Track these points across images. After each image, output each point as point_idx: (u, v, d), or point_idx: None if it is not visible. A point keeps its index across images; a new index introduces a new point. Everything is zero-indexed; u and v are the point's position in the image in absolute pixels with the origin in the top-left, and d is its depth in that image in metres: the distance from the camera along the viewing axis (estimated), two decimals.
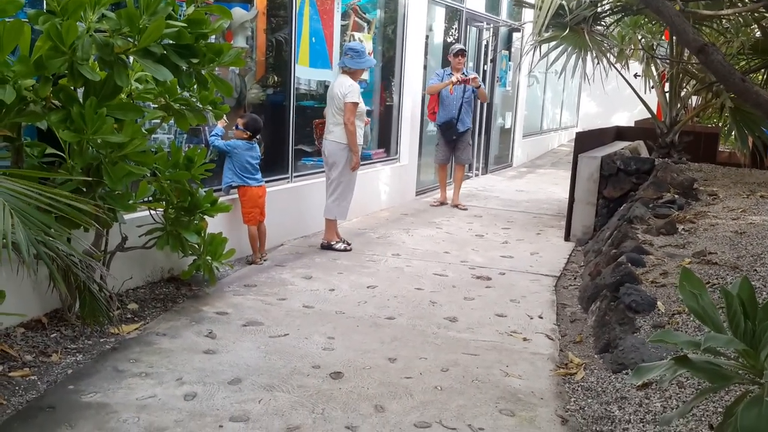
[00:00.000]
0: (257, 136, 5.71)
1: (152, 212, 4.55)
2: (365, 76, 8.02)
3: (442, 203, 8.95)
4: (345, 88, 6.16)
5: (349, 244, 6.40)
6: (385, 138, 8.75)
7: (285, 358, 3.81)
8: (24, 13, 3.49)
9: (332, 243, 6.37)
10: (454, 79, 8.54)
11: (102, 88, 3.53)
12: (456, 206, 8.80)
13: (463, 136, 8.83)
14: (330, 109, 6.31)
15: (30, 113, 3.46)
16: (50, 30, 3.28)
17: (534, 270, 5.98)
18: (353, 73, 6.32)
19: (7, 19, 3.24)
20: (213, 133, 5.61)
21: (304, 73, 7.06)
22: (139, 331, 4.10)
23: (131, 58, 3.67)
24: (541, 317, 4.74)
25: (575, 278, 5.84)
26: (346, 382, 3.54)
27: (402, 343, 4.14)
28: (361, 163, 8.02)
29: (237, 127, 5.68)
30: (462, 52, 8.69)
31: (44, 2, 3.60)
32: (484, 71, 11.43)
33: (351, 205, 6.84)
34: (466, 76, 8.61)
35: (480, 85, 8.77)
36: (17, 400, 3.19)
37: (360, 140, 6.37)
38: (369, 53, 7.00)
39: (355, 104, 6.17)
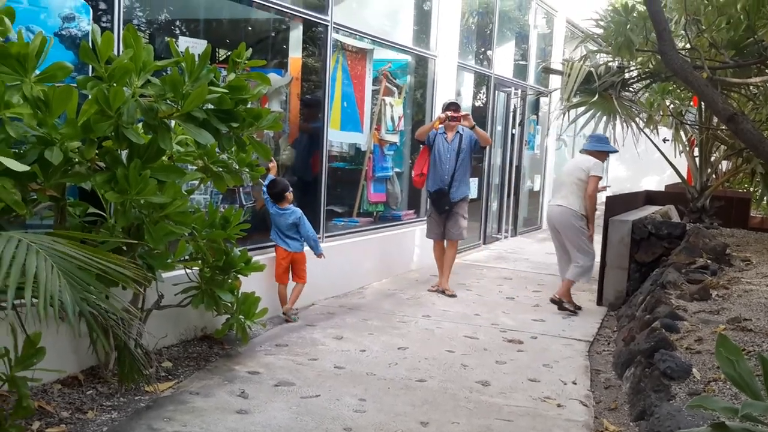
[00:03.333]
0: (281, 199, 5.76)
1: (188, 271, 4.63)
2: (396, 139, 8.19)
3: (438, 288, 7.38)
4: (590, 163, 6.83)
5: (578, 309, 6.78)
6: (414, 200, 8.83)
7: (316, 419, 3.80)
8: (72, 78, 3.64)
9: (564, 302, 6.78)
10: (442, 116, 7.20)
11: (146, 151, 3.64)
12: (443, 291, 7.26)
13: (456, 206, 7.31)
14: (568, 178, 6.92)
15: (75, 174, 3.57)
16: (98, 95, 3.41)
17: (566, 334, 5.92)
18: (594, 155, 6.92)
19: (56, 84, 3.38)
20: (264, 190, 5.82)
21: (336, 136, 7.20)
22: (173, 389, 4.12)
23: (173, 122, 3.79)
24: (575, 383, 4.68)
25: (609, 343, 5.77)
26: None
27: (433, 406, 4.11)
28: (392, 224, 8.15)
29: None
30: (449, 106, 7.35)
31: (90, 68, 3.75)
32: (513, 135, 11.55)
33: (381, 266, 7.04)
34: (461, 131, 7.29)
35: (474, 125, 7.25)
36: None
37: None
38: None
39: (599, 178, 6.81)
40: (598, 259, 7.01)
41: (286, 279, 5.86)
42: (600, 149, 7.02)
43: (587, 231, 6.82)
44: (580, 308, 6.82)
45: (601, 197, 7.92)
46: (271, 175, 5.82)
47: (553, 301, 6.84)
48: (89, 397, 3.89)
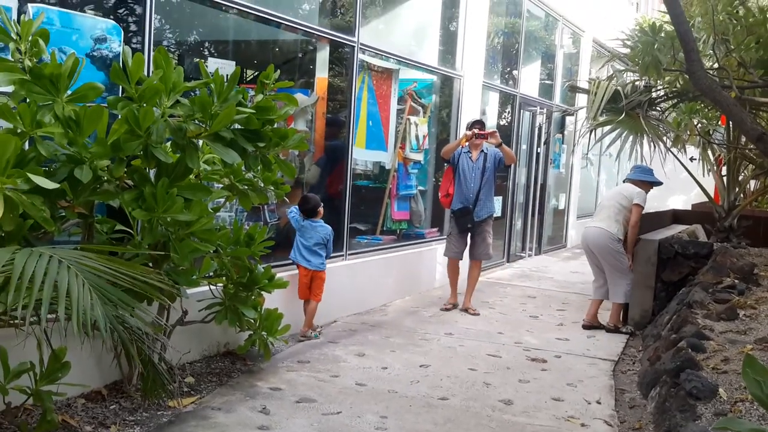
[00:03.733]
0: (313, 215, 5.83)
1: (212, 287, 4.68)
2: (420, 157, 8.23)
3: (454, 306, 7.34)
4: (635, 192, 6.79)
5: (634, 331, 6.76)
6: (438, 217, 8.84)
7: None
8: (103, 98, 3.73)
9: (619, 326, 6.78)
10: (469, 133, 7.17)
11: (174, 170, 3.71)
12: (466, 310, 7.22)
13: (481, 226, 7.28)
14: (609, 202, 6.89)
15: (104, 192, 3.65)
16: (128, 115, 3.49)
17: (591, 354, 5.88)
18: (639, 185, 6.91)
19: (87, 104, 3.46)
20: (292, 211, 5.89)
21: (361, 155, 7.26)
22: (195, 404, 4.16)
23: (201, 142, 3.86)
24: (599, 402, 4.64)
25: (634, 363, 5.71)
26: None
27: (456, 425, 4.10)
28: (415, 242, 8.16)
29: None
30: (474, 124, 7.36)
31: (121, 88, 3.84)
32: (538, 153, 11.53)
33: (404, 283, 7.43)
34: (485, 149, 7.26)
35: (501, 142, 7.21)
36: None
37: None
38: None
39: (642, 208, 6.77)
40: None
41: (308, 295, 5.91)
42: (644, 179, 6.95)
43: (624, 253, 6.72)
44: (633, 331, 6.78)
45: None
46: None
47: (609, 330, 6.72)
48: (112, 411, 3.94)
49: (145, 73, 4.14)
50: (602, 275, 6.90)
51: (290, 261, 5.90)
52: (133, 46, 4.50)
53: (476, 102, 9.22)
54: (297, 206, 5.86)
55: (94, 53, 4.29)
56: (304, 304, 5.88)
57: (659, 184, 7.15)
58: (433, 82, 8.77)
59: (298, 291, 5.84)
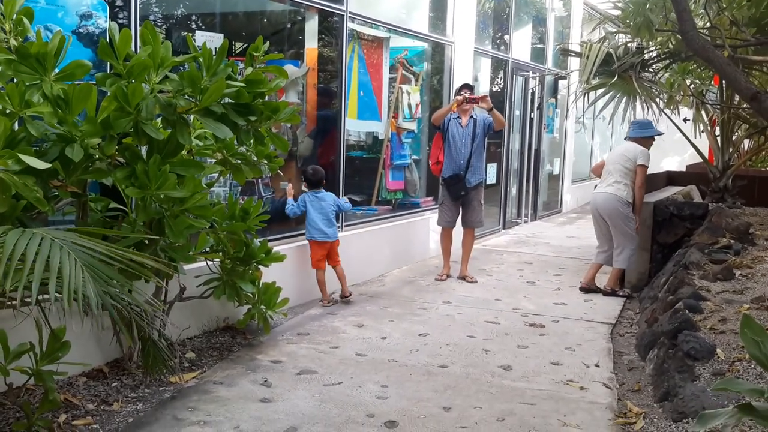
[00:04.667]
0: (319, 186, 5.99)
1: (209, 263, 4.68)
2: (413, 126, 8.19)
3: (448, 276, 7.30)
4: (638, 152, 6.70)
5: (631, 294, 6.77)
6: (433, 186, 8.82)
7: (339, 406, 3.84)
8: (91, 75, 3.68)
9: (616, 290, 6.76)
10: (460, 98, 7.03)
11: (165, 146, 3.68)
12: (463, 278, 7.23)
13: (473, 192, 7.20)
14: (614, 166, 6.77)
15: (96, 170, 3.62)
16: (117, 92, 3.45)
17: (588, 317, 5.91)
18: (640, 141, 6.82)
19: (76, 82, 3.42)
20: (288, 205, 5.96)
21: (353, 125, 7.21)
22: (196, 379, 4.18)
23: (192, 117, 3.83)
24: (597, 365, 4.68)
25: (631, 325, 5.75)
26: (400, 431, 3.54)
27: (456, 391, 4.13)
28: (411, 211, 8.16)
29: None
30: (462, 88, 7.31)
31: (109, 65, 3.79)
32: (531, 119, 11.49)
33: (401, 253, 7.35)
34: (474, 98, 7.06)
35: (492, 107, 7.03)
36: None
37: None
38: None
39: (647, 167, 6.71)
40: None
41: (323, 265, 6.02)
42: (644, 135, 6.85)
43: (633, 217, 6.66)
44: (630, 293, 6.78)
45: None
46: (290, 198, 6.01)
47: (606, 293, 6.71)
48: (114, 389, 3.97)
49: (133, 48, 4.10)
50: (607, 241, 6.86)
51: (287, 234, 5.91)
52: (120, 21, 4.44)
53: (468, 68, 9.15)
54: (305, 187, 6.06)
55: (81, 30, 4.23)
56: (318, 273, 6.00)
57: (660, 134, 7.05)
58: (424, 49, 8.70)
59: (312, 262, 5.97)
